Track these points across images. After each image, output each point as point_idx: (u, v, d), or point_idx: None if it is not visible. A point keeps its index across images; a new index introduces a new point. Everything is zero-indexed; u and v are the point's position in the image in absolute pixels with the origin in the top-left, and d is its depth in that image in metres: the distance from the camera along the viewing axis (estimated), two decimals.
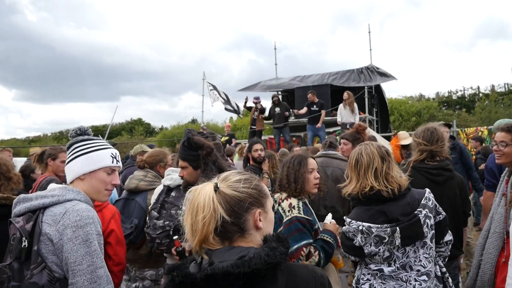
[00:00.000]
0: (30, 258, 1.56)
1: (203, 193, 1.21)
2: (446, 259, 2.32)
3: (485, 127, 10.98)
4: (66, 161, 1.89)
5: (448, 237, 2.23)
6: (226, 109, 12.96)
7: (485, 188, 4.06)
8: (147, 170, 3.38)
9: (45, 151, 3.87)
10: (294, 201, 2.44)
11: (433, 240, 2.11)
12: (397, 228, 2.00)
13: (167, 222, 2.73)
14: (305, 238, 2.31)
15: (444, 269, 2.22)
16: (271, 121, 11.51)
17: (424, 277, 2.05)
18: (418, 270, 2.06)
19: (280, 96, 11.25)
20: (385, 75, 12.77)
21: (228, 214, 1.19)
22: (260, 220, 1.26)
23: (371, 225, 2.04)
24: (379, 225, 2.03)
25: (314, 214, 2.58)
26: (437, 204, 2.16)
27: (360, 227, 2.07)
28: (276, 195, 2.56)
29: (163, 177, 3.43)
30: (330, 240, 2.38)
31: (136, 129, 37.15)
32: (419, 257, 2.07)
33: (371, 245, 2.07)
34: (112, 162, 1.89)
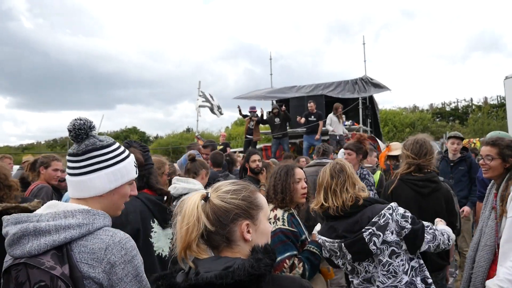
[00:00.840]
0: None
1: (190, 201, 1.23)
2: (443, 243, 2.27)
3: (478, 138, 11.09)
4: (76, 171, 1.47)
5: (424, 246, 2.18)
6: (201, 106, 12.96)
7: (478, 200, 4.09)
8: None
9: (37, 160, 3.85)
10: (279, 213, 2.43)
11: (393, 256, 2.11)
12: (342, 244, 2.12)
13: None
14: (289, 250, 2.30)
15: (429, 280, 2.21)
16: (266, 130, 11.55)
17: None
18: (378, 286, 2.13)
19: (280, 108, 11.22)
20: (379, 86, 12.88)
21: (212, 223, 1.22)
22: (249, 232, 1.27)
23: (326, 239, 2.22)
24: (331, 240, 2.19)
25: (302, 225, 2.58)
26: (400, 220, 2.12)
27: (320, 241, 2.28)
28: None
29: (161, 185, 3.48)
30: (316, 251, 2.38)
31: (131, 137, 37.04)
32: (378, 273, 2.13)
33: (335, 258, 2.26)
34: (136, 172, 1.61)
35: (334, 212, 2.18)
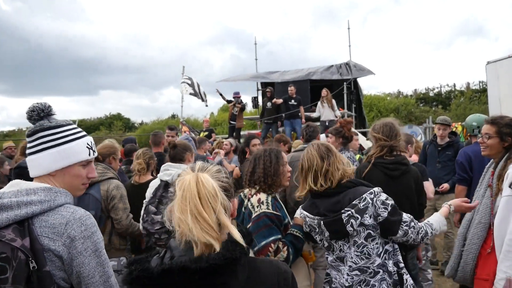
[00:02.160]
0: (42, 281, 1.35)
1: (207, 183, 1.16)
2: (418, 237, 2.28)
3: (460, 123, 11.26)
4: (28, 151, 1.55)
5: (395, 237, 2.20)
6: (190, 93, 12.71)
7: (457, 183, 4.16)
8: (96, 163, 3.34)
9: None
10: (263, 196, 2.39)
11: (369, 239, 2.15)
12: (321, 222, 2.19)
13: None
14: (273, 234, 2.28)
15: (401, 264, 2.24)
16: (249, 115, 11.45)
17: (356, 272, 2.17)
18: (350, 266, 2.18)
19: (268, 90, 11.03)
20: (362, 70, 12.96)
21: None
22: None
23: (308, 214, 2.29)
24: (312, 216, 2.26)
25: (284, 208, 2.57)
26: (379, 206, 2.14)
27: (302, 215, 2.35)
28: (246, 190, 2.51)
29: (114, 170, 3.46)
30: (299, 235, 2.38)
31: (115, 124, 36.58)
32: (351, 254, 2.18)
33: (314, 234, 2.31)
34: (89, 154, 1.62)
35: (318, 191, 2.23)
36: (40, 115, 1.55)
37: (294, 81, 12.33)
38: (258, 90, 15.00)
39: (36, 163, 1.53)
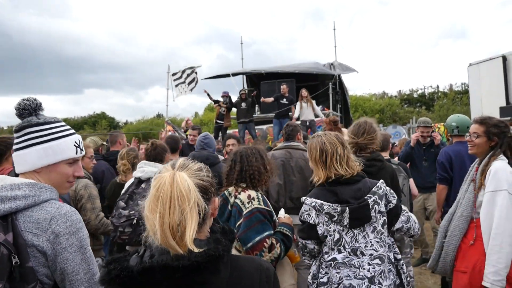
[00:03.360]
0: (25, 277, 1.32)
1: (181, 182, 1.12)
2: (413, 237, 2.44)
3: (442, 123, 11.45)
4: (14, 147, 1.53)
5: (398, 225, 2.29)
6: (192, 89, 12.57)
7: (438, 182, 4.22)
8: None
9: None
10: (252, 193, 2.38)
11: (385, 227, 2.21)
12: (347, 208, 2.13)
13: (133, 212, 2.74)
14: (267, 230, 2.28)
15: (399, 256, 2.31)
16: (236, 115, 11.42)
17: (377, 261, 2.14)
18: (371, 255, 2.15)
19: (247, 91, 11.10)
20: (346, 68, 13.13)
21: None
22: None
23: (324, 202, 2.17)
24: (331, 204, 2.16)
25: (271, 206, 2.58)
26: (389, 194, 2.25)
27: (313, 204, 2.19)
28: (230, 188, 2.47)
29: (86, 168, 3.43)
30: (288, 233, 2.39)
31: (100, 123, 36.13)
32: (371, 242, 2.16)
33: (323, 225, 2.18)
34: (76, 152, 1.60)
35: (339, 178, 2.22)
36: (29, 111, 1.54)
37: (280, 80, 12.37)
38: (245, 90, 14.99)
39: (22, 159, 1.51)
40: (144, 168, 3.03)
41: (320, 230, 2.19)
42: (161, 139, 5.97)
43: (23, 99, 1.53)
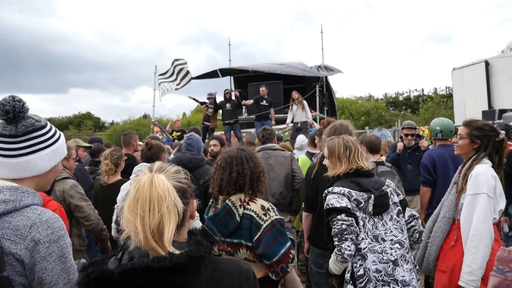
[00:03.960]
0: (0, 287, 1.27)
1: (159, 184, 1.13)
2: (421, 234, 2.57)
3: (427, 126, 11.63)
4: (17, 153, 1.44)
5: (408, 212, 2.53)
6: (177, 89, 12.43)
7: (422, 184, 4.29)
8: None
9: None
10: (264, 203, 2.27)
11: (400, 215, 2.43)
12: (372, 195, 2.35)
13: None
14: (288, 240, 2.23)
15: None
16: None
17: (397, 245, 2.33)
18: (391, 240, 2.33)
19: (233, 93, 11.12)
20: (332, 70, 13.28)
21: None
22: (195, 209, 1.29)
23: (351, 190, 2.36)
24: (358, 192, 2.36)
25: None
26: (396, 189, 2.53)
27: (342, 191, 2.34)
28: (234, 198, 2.26)
29: (68, 169, 3.40)
30: (292, 237, 2.41)
31: (85, 123, 35.67)
32: (390, 228, 2.36)
33: (355, 211, 2.34)
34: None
35: (359, 171, 2.46)
36: (24, 115, 1.46)
37: (267, 83, 12.40)
38: (231, 91, 15.00)
39: (32, 165, 1.46)
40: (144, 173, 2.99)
41: (357, 214, 2.34)
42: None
43: (14, 101, 1.42)
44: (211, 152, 4.98)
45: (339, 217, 2.24)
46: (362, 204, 2.32)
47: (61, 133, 1.64)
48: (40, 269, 1.32)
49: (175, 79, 12.42)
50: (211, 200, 2.44)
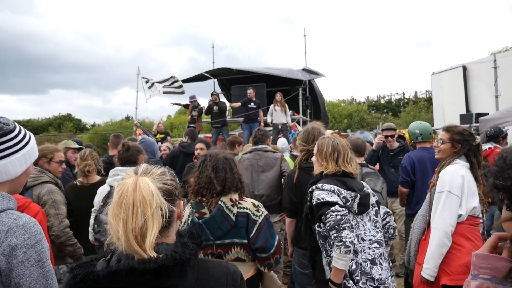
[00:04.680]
0: None
1: (144, 188, 1.14)
2: (395, 229, 2.74)
3: (407, 129, 11.83)
4: None
5: (383, 210, 2.67)
6: (165, 92, 12.37)
7: (400, 185, 4.41)
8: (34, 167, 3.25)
9: None
10: (253, 201, 2.37)
11: (378, 215, 2.58)
12: (358, 194, 2.47)
13: None
14: (275, 233, 2.41)
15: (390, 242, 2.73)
16: (209, 119, 11.39)
17: (376, 245, 2.45)
18: (370, 240, 2.44)
19: (219, 95, 11.12)
20: (314, 73, 13.41)
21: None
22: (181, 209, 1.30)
23: (340, 188, 2.45)
24: (347, 190, 2.45)
25: None
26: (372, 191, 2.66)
27: (332, 188, 2.43)
28: (225, 199, 2.28)
29: (53, 173, 3.36)
30: None
31: (65, 125, 34.96)
32: (368, 229, 2.48)
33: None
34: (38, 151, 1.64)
35: (346, 172, 2.54)
36: None
37: (250, 85, 12.43)
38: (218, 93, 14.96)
39: (2, 170, 1.44)
40: (120, 176, 2.92)
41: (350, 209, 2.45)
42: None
43: None
44: (197, 155, 4.98)
45: (333, 208, 2.34)
46: (349, 203, 2.42)
47: (31, 134, 1.61)
48: (17, 274, 1.29)
49: (167, 81, 12.34)
50: (188, 205, 2.36)
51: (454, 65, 12.35)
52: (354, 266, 2.36)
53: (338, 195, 2.40)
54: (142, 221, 1.10)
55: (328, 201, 2.36)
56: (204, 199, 2.30)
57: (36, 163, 3.20)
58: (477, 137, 2.85)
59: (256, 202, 2.37)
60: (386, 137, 5.41)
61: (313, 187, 2.50)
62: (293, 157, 4.92)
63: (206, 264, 1.28)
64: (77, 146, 4.62)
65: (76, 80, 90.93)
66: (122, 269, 1.08)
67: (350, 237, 2.25)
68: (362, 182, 2.68)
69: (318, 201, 2.39)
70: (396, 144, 5.42)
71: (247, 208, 2.27)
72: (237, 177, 2.35)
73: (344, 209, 2.35)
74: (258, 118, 10.36)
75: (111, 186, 2.99)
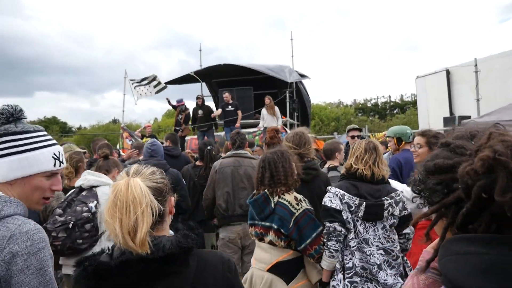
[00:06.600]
0: None
1: (135, 188, 1.20)
2: (405, 252, 2.69)
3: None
4: None
5: (407, 230, 2.62)
6: (157, 92, 12.36)
7: None
8: None
9: None
10: (297, 195, 2.62)
11: (393, 228, 2.57)
12: (364, 202, 2.52)
13: (69, 217, 2.68)
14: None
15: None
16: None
17: (381, 252, 2.51)
18: (377, 246, 2.53)
19: (205, 98, 11.13)
20: (300, 75, 13.57)
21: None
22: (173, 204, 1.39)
23: (345, 193, 2.56)
24: (351, 196, 2.55)
25: None
26: (406, 202, 2.60)
27: (337, 193, 2.58)
28: (268, 190, 2.64)
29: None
30: None
31: (51, 128, 34.51)
32: (379, 235, 2.54)
33: (345, 212, 2.55)
34: (55, 165, 1.50)
35: (361, 176, 2.57)
36: (8, 119, 1.44)
37: (238, 89, 12.47)
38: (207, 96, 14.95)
39: None
40: (87, 177, 3.02)
41: (345, 215, 2.54)
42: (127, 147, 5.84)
43: (4, 105, 1.44)
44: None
45: (326, 223, 2.55)
46: (353, 208, 2.54)
47: (52, 145, 1.54)
48: (16, 282, 1.26)
49: (148, 83, 12.28)
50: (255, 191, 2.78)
51: (438, 69, 12.60)
52: (350, 264, 2.51)
53: (341, 200, 2.56)
54: (134, 219, 1.17)
55: (326, 207, 2.57)
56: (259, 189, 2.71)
57: None
58: None
59: (299, 196, 2.62)
60: (353, 137, 5.49)
61: (328, 187, 2.69)
62: None
63: (204, 254, 1.38)
64: (79, 149, 4.62)
65: (63, 82, 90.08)
66: (134, 258, 1.18)
67: (335, 247, 2.50)
68: (394, 191, 2.60)
69: (323, 204, 2.60)
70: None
71: (287, 200, 2.57)
72: (285, 174, 2.62)
73: (334, 224, 2.51)
74: (236, 120, 10.42)
75: (75, 187, 3.05)
